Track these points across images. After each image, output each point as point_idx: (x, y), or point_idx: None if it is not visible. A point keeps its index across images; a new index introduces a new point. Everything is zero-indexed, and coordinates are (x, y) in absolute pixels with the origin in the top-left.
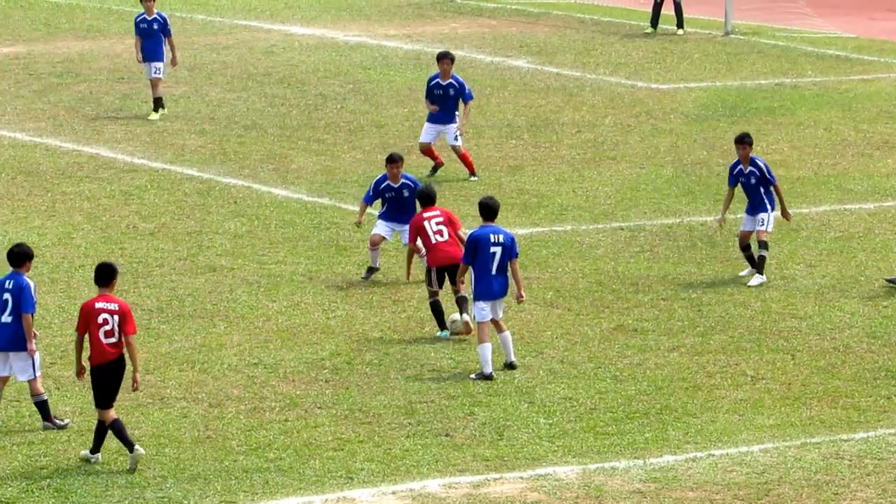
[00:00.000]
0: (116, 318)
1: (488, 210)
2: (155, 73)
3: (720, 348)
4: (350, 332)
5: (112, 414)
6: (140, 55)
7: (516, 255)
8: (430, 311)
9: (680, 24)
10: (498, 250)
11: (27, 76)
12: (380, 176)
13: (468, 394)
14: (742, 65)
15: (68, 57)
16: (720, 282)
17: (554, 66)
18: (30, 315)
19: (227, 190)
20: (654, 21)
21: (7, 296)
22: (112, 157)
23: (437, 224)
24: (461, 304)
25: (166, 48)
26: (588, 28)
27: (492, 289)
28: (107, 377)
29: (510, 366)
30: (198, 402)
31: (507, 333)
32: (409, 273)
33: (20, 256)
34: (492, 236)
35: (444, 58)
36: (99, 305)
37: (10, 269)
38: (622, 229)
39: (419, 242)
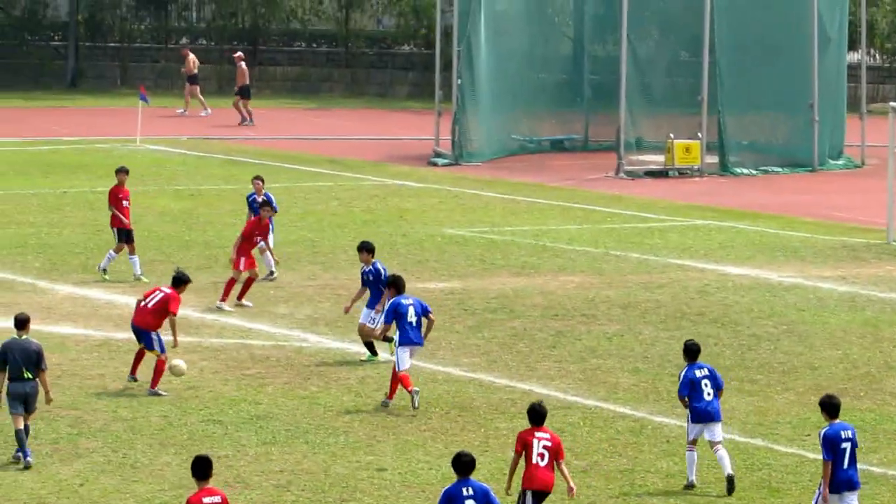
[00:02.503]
0: None
1: (833, 408)
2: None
3: None
4: None
5: None
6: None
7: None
8: None
9: None
10: (848, 445)
11: (462, 311)
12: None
13: None
14: None
15: (502, 293)
16: None
17: None
18: None
19: (660, 429)
20: None
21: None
22: (545, 393)
23: (544, 447)
24: None
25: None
26: None
27: (845, 480)
28: None
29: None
30: None
31: None
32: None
33: (471, 465)
34: (842, 433)
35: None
36: (206, 501)
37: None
38: None
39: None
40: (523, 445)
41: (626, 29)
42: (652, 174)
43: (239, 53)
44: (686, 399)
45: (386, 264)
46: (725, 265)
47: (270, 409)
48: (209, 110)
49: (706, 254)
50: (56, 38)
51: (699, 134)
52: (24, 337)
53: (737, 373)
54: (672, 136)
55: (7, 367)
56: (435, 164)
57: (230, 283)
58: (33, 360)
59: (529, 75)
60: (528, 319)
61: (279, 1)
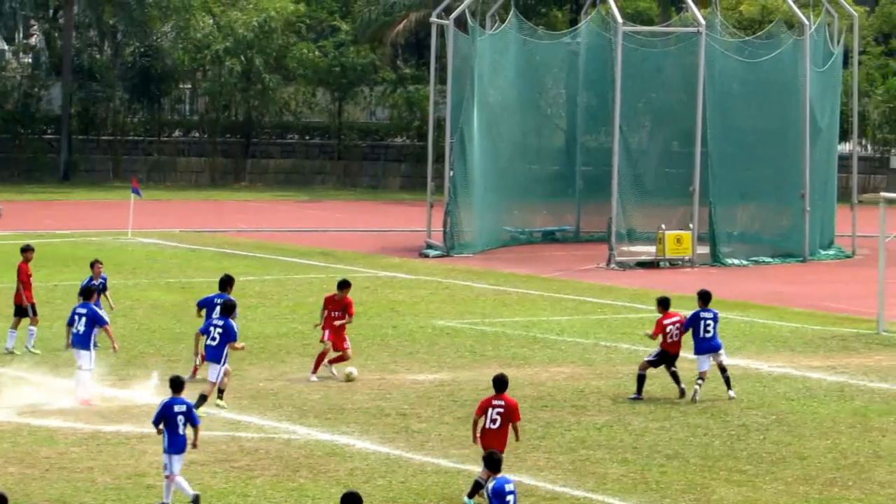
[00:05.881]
0: None
1: (495, 463)
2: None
3: None
4: None
5: None
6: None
7: None
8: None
9: None
10: (512, 498)
11: (451, 403)
12: None
13: None
14: None
15: (492, 385)
16: None
17: None
18: None
19: None
20: None
21: None
22: (534, 484)
23: (497, 413)
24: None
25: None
26: None
27: None
28: None
29: None
30: None
31: None
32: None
33: None
34: (506, 486)
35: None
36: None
37: None
38: None
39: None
40: (483, 410)
41: (619, 120)
42: (643, 265)
43: None
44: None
45: (376, 356)
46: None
47: (259, 502)
48: None
49: None
50: (49, 131)
51: (690, 225)
52: None
53: (726, 463)
54: (663, 226)
55: None
56: (426, 256)
57: (320, 357)
58: None
59: (522, 167)
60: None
61: (272, 93)
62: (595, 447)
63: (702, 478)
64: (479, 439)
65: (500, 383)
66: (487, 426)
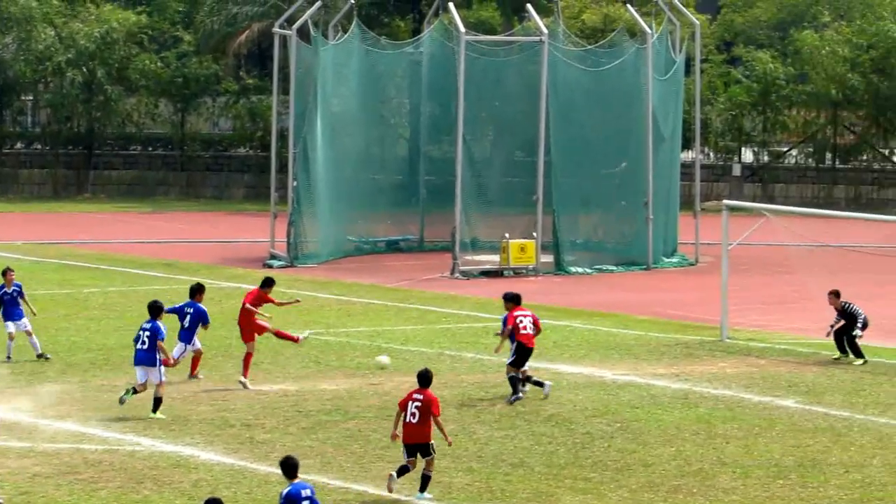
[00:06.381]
0: None
1: (291, 468)
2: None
3: None
4: None
5: None
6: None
7: None
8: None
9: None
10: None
11: (296, 413)
12: None
13: None
14: None
15: (337, 394)
16: None
17: (822, 406)
18: None
19: None
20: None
21: None
22: (379, 493)
23: (416, 407)
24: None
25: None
26: (856, 369)
27: None
28: None
29: None
30: None
31: None
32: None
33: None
34: (302, 492)
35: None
36: None
37: None
38: None
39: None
40: (404, 405)
41: (462, 130)
42: (487, 274)
43: None
44: None
45: (220, 367)
46: (559, 364)
47: None
48: None
49: (540, 353)
50: None
51: (534, 233)
52: None
53: (570, 471)
54: (507, 235)
55: None
56: (270, 267)
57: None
58: None
59: (365, 176)
60: (363, 420)
61: (115, 105)
62: (440, 456)
63: (547, 486)
64: (397, 435)
65: (424, 378)
66: (408, 420)
